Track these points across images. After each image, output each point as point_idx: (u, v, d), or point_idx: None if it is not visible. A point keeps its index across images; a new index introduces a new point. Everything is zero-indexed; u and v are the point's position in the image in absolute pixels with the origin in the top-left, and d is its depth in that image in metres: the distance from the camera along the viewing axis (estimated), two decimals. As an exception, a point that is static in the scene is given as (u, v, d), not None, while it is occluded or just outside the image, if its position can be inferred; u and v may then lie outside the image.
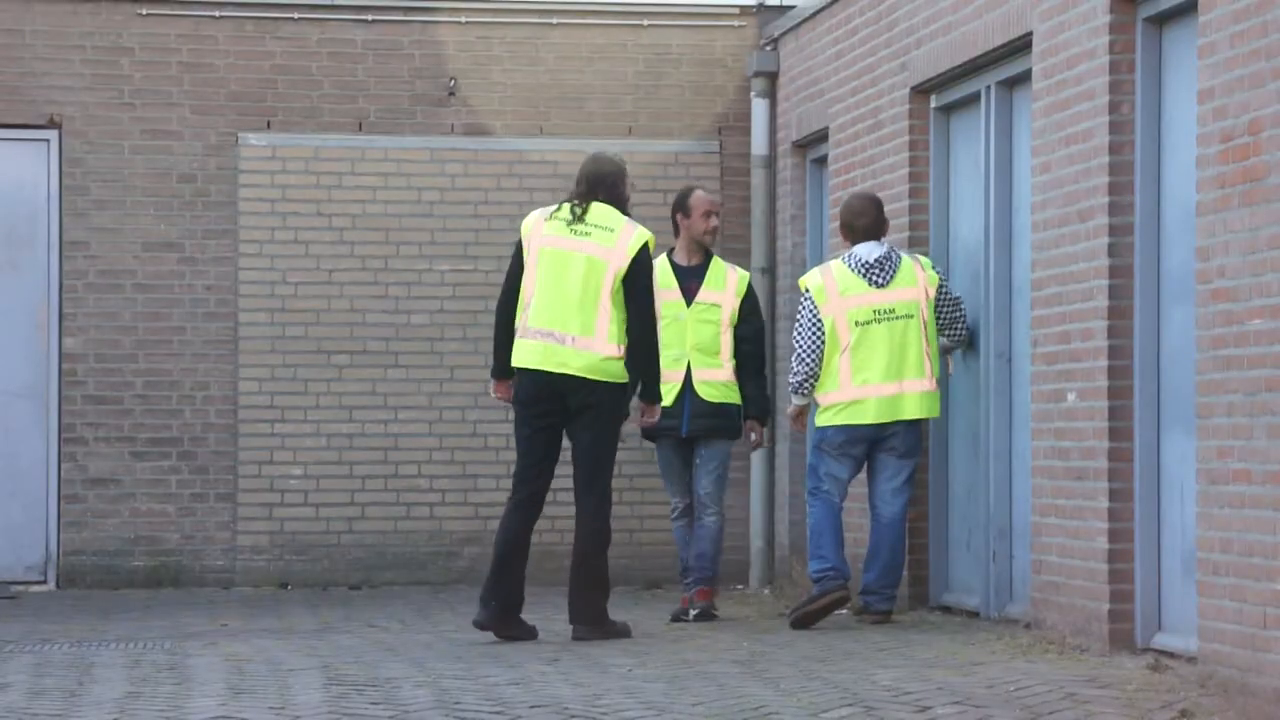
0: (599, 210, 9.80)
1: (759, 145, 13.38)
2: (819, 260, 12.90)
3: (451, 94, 13.44)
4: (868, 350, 10.21)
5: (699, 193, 11.04)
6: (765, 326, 11.08)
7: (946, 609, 10.76)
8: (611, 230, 9.75)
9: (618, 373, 9.72)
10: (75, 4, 13.10)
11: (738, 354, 10.84)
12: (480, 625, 9.66)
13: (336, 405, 13.28)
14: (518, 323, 9.75)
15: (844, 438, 10.28)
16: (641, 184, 13.60)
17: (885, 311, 10.25)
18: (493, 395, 10.01)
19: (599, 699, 7.70)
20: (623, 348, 9.71)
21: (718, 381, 10.81)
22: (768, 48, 13.44)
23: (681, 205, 11.01)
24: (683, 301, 10.83)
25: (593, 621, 9.72)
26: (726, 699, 7.67)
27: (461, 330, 13.41)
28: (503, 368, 9.87)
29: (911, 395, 10.26)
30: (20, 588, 12.87)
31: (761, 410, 10.95)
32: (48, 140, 13.11)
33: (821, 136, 12.63)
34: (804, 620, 10.21)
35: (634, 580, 13.35)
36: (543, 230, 9.76)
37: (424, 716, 7.31)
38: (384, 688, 8.03)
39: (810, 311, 10.26)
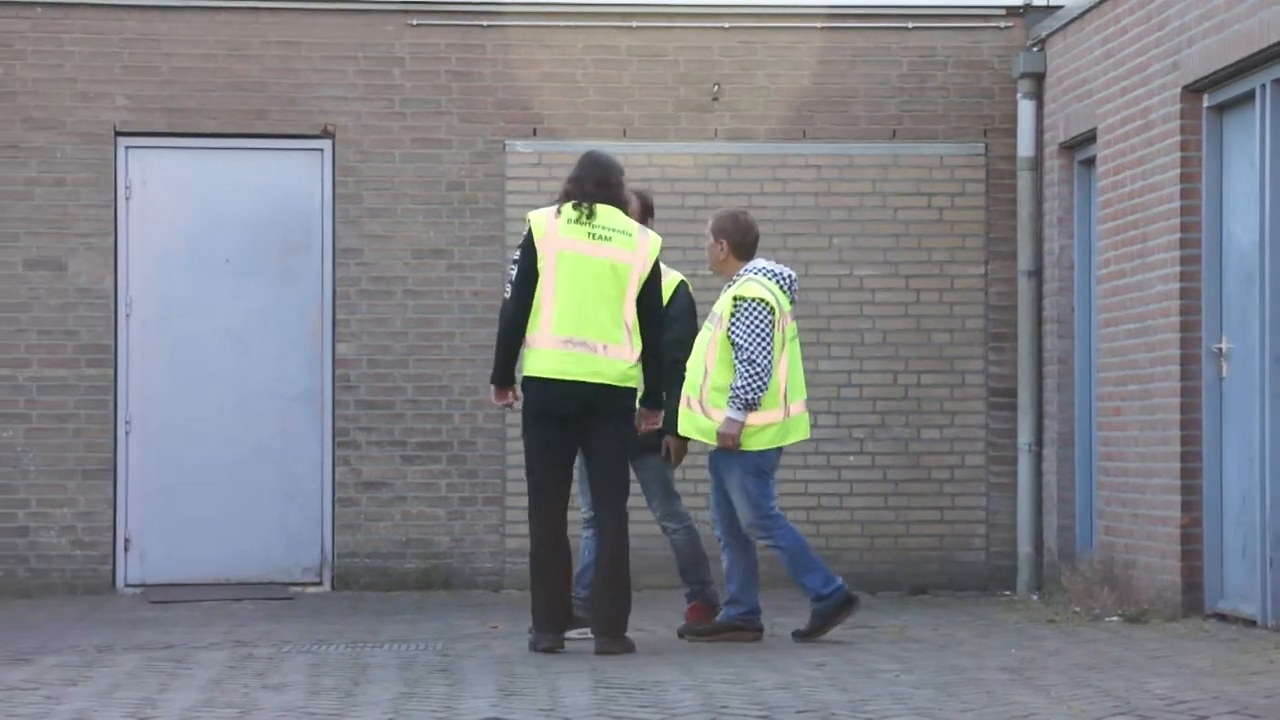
0: (608, 213, 9.51)
1: (1025, 147, 13.23)
2: (1088, 264, 12.75)
3: (715, 99, 13.48)
4: (794, 369, 10.07)
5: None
6: (697, 330, 10.28)
7: (1221, 617, 10.56)
8: (629, 235, 9.51)
9: (637, 378, 9.56)
10: (348, 16, 13.36)
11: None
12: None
13: (602, 409, 13.36)
14: (530, 330, 9.44)
15: (777, 459, 10.06)
16: (906, 188, 13.54)
17: (796, 330, 10.17)
18: (496, 402, 9.72)
19: (866, 704, 7.68)
20: (637, 353, 9.52)
21: None
22: (1035, 48, 13.30)
23: None
24: None
25: (621, 634, 9.51)
26: (995, 705, 7.61)
27: (726, 335, 13.43)
28: (509, 375, 9.59)
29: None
30: (297, 589, 13.14)
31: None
32: (322, 150, 13.39)
33: (1090, 137, 12.46)
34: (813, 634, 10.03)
35: (899, 585, 13.28)
36: (558, 232, 9.45)
37: (692, 720, 7.34)
38: (652, 691, 8.08)
39: (770, 325, 9.90)
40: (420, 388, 13.34)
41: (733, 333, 9.92)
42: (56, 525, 13.12)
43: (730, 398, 9.89)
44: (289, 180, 13.38)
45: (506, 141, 13.42)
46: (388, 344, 13.34)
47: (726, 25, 13.49)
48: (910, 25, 13.52)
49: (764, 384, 9.89)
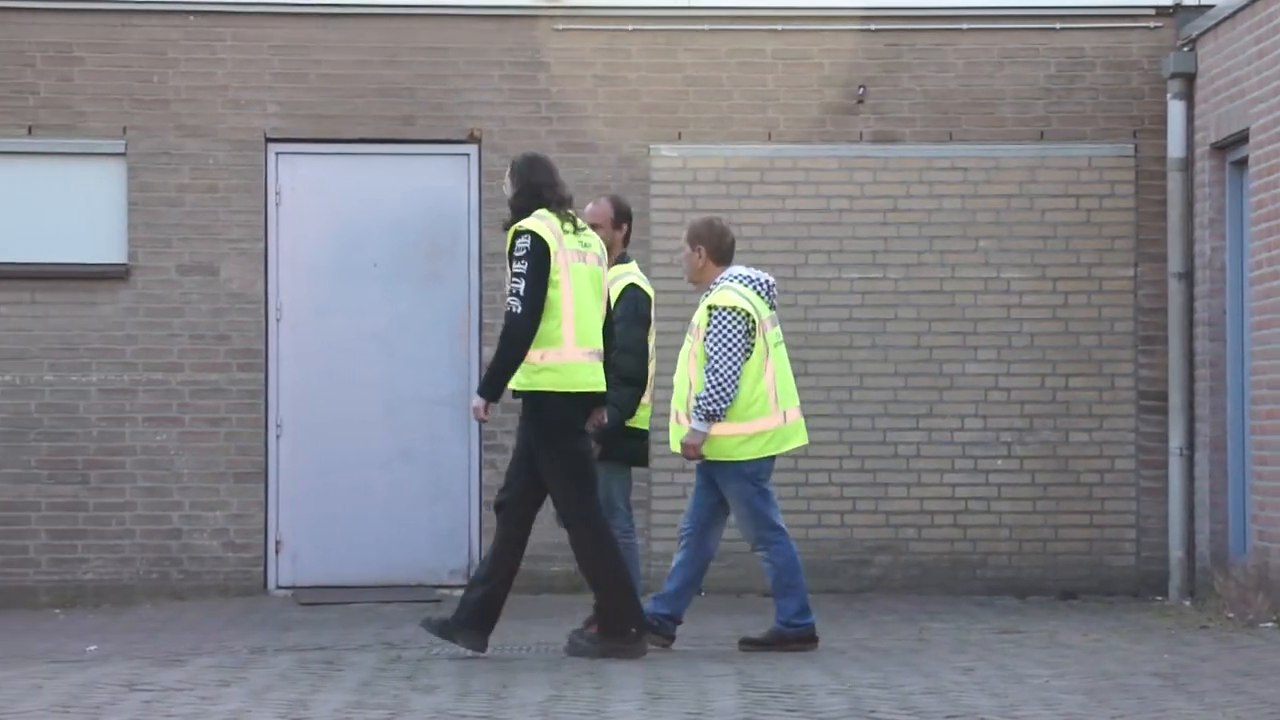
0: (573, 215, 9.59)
1: (1175, 148, 13.10)
2: (1239, 266, 12.59)
3: (860, 102, 13.43)
4: (783, 374, 9.91)
5: (589, 206, 10.34)
6: (641, 334, 10.07)
7: (1377, 624, 10.40)
8: (594, 236, 9.60)
9: None
10: (494, 22, 13.43)
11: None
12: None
13: (748, 413, 13.34)
14: (549, 344, 9.36)
15: (770, 466, 9.90)
16: (1054, 189, 13.44)
17: (780, 336, 10.00)
18: (482, 416, 9.61)
19: (1016, 710, 7.63)
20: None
21: None
22: (1185, 48, 13.16)
23: None
24: None
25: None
26: (1148, 712, 7.53)
27: (870, 338, 13.39)
28: (501, 391, 9.48)
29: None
30: (445, 591, 13.22)
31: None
32: (468, 155, 13.48)
33: (1242, 138, 12.31)
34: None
35: (1048, 590, 13.18)
36: (564, 245, 9.43)
37: (841, 724, 7.33)
38: (799, 695, 8.07)
39: (744, 334, 9.75)
40: (566, 391, 13.35)
41: (705, 343, 9.82)
42: (209, 528, 13.28)
43: (694, 408, 9.77)
44: (436, 185, 13.47)
45: (651, 146, 13.45)
46: (534, 348, 13.37)
47: (872, 27, 13.44)
48: (1058, 26, 13.41)
49: (727, 394, 9.73)
